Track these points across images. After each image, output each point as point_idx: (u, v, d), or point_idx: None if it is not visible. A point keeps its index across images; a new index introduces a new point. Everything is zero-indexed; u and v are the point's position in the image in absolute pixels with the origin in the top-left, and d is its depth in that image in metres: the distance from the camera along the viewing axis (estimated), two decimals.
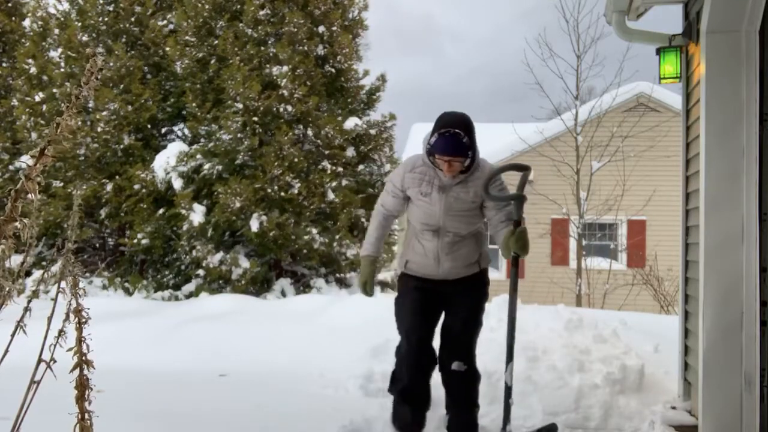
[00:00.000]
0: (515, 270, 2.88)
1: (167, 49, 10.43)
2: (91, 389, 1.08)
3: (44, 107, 10.46)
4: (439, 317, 3.07)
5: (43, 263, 10.11)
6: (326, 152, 10.32)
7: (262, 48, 10.01)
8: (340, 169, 10.31)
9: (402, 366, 3.04)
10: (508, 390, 2.84)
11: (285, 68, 9.72)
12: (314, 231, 9.61)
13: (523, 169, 2.97)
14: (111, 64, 10.24)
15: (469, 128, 2.75)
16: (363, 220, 10.37)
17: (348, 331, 5.37)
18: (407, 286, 3.06)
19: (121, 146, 10.23)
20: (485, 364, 4.03)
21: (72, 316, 1.09)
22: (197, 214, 9.46)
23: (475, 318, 3.04)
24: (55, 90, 10.49)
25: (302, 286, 10.12)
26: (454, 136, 2.69)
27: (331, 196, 10.01)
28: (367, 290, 3.17)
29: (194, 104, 10.02)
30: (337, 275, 10.64)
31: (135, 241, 9.84)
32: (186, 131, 10.92)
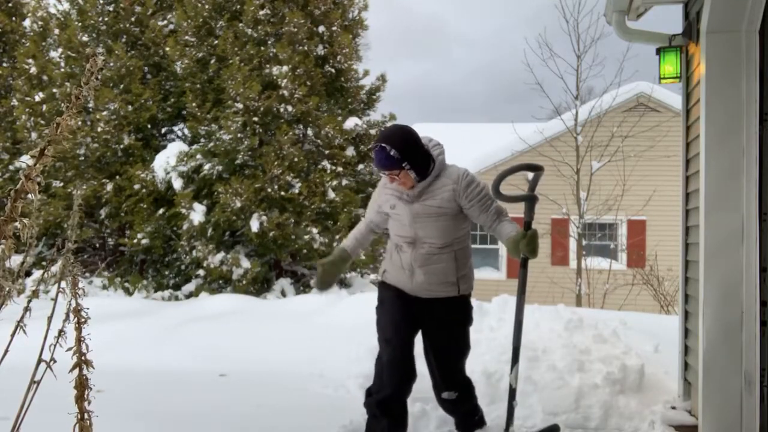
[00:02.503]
0: (524, 272, 2.83)
1: (167, 49, 10.43)
2: (91, 389, 1.08)
3: (44, 107, 10.46)
4: (418, 328, 2.97)
5: (43, 263, 10.11)
6: (326, 152, 10.32)
7: (262, 48, 10.01)
8: (340, 168, 10.31)
9: (382, 375, 2.90)
10: (513, 392, 2.82)
11: (285, 68, 9.72)
12: (314, 231, 9.61)
13: (536, 169, 2.89)
14: (111, 64, 10.24)
15: (403, 141, 2.70)
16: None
17: (348, 331, 5.37)
18: (387, 294, 2.97)
19: (121, 146, 10.23)
20: (485, 364, 4.04)
21: (72, 316, 1.09)
22: (197, 214, 9.47)
23: (458, 346, 2.96)
24: (55, 90, 10.49)
25: (302, 286, 10.12)
26: (380, 151, 2.69)
27: (331, 195, 10.02)
28: (322, 280, 3.03)
29: (194, 104, 10.02)
30: None
31: (135, 241, 9.84)
32: (186, 131, 10.92)
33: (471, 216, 2.86)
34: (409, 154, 2.69)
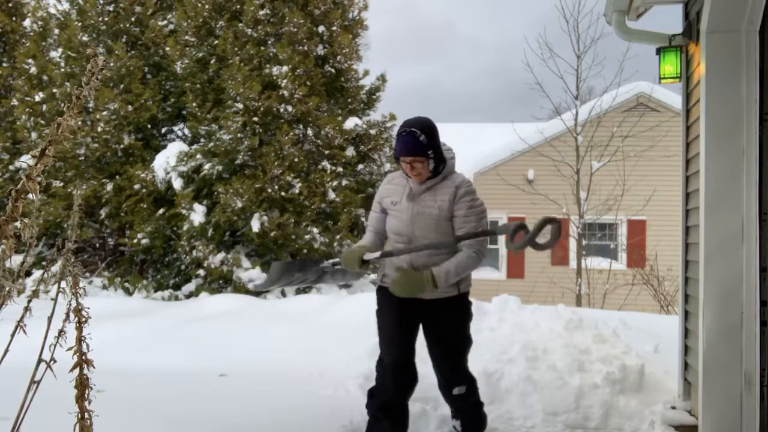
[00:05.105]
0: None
1: (167, 49, 10.43)
2: (91, 389, 1.08)
3: (44, 107, 10.47)
4: (418, 330, 2.95)
5: (43, 263, 10.10)
6: (326, 152, 10.33)
7: (262, 48, 10.01)
8: (340, 169, 10.32)
9: (385, 378, 2.91)
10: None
11: (285, 68, 9.72)
12: (315, 231, 9.62)
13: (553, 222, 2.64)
14: (111, 64, 10.23)
15: (431, 129, 2.74)
16: (363, 219, 10.39)
17: (348, 331, 5.37)
18: (387, 299, 2.90)
19: (121, 146, 10.23)
20: (485, 364, 4.04)
21: (72, 315, 1.09)
22: (197, 214, 9.47)
23: (461, 341, 2.94)
24: (55, 90, 10.49)
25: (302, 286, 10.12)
26: (409, 134, 2.69)
27: (331, 195, 10.02)
28: (349, 263, 2.83)
29: (194, 104, 10.02)
30: None
31: (135, 241, 9.84)
32: (186, 131, 10.92)
33: (454, 224, 2.80)
34: (434, 144, 2.73)
